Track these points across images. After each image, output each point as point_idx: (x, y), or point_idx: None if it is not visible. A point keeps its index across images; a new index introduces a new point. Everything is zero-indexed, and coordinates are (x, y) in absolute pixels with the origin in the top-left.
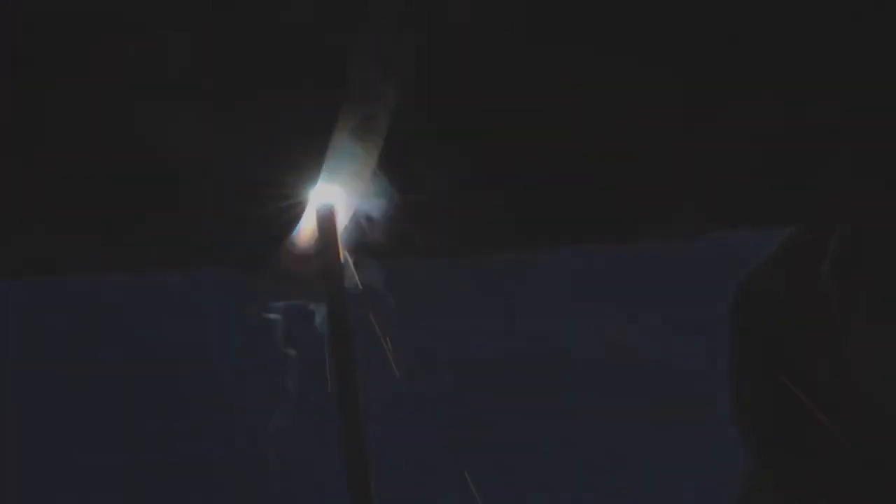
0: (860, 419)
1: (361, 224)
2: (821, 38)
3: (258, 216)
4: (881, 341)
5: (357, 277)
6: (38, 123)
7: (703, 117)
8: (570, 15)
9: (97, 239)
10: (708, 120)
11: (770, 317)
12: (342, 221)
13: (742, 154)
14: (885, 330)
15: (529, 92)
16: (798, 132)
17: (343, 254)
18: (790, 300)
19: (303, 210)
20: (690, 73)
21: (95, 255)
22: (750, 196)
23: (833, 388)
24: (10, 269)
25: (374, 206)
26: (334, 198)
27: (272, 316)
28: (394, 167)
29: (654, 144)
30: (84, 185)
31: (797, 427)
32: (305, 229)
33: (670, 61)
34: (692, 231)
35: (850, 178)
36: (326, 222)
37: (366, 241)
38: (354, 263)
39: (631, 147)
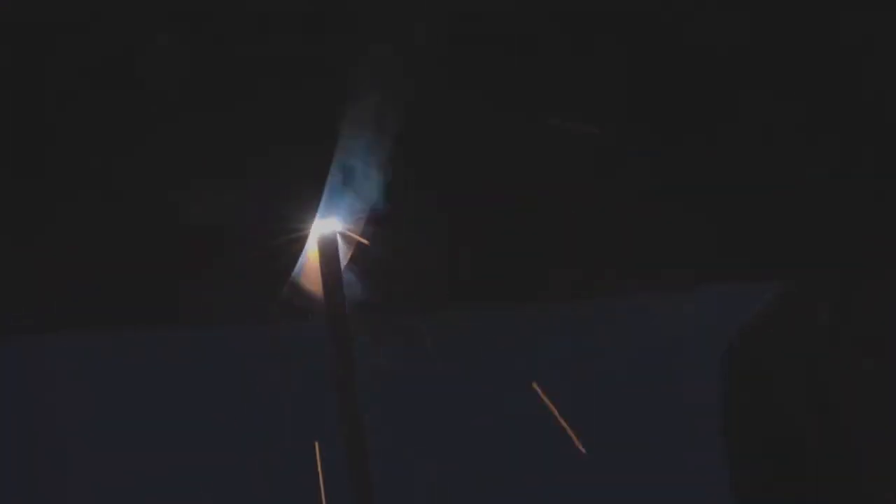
0: (848, 469)
1: (360, 253)
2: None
3: (264, 250)
4: (871, 393)
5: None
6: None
7: (692, 175)
8: (561, 80)
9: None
10: (694, 178)
11: (761, 369)
12: (344, 250)
13: (730, 210)
14: (874, 381)
15: (516, 151)
16: (784, 188)
17: (345, 281)
18: (781, 353)
19: (305, 241)
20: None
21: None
22: (740, 251)
23: (823, 439)
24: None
25: (373, 237)
26: (336, 228)
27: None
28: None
29: (643, 202)
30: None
31: (786, 477)
32: (310, 259)
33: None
34: (684, 285)
35: (839, 233)
36: (329, 252)
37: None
38: (356, 292)
39: (619, 206)
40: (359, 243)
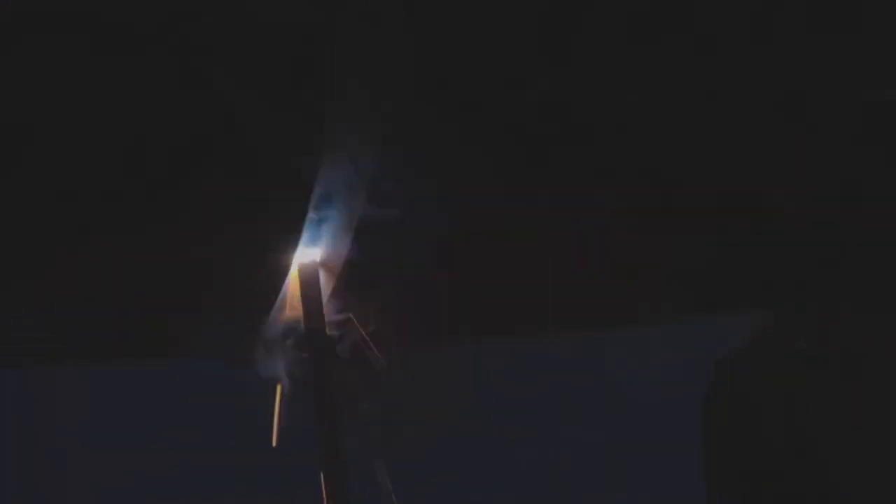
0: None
1: (342, 282)
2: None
3: (246, 281)
4: (852, 427)
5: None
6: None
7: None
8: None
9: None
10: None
11: (742, 401)
12: (325, 280)
13: (709, 241)
14: (856, 415)
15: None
16: (764, 223)
17: (327, 310)
18: (762, 384)
19: (287, 271)
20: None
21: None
22: (720, 282)
23: (803, 474)
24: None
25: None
26: (316, 258)
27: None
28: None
29: (623, 238)
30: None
31: None
32: (291, 289)
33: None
34: (665, 316)
35: (819, 266)
36: (310, 282)
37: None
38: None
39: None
40: (340, 273)
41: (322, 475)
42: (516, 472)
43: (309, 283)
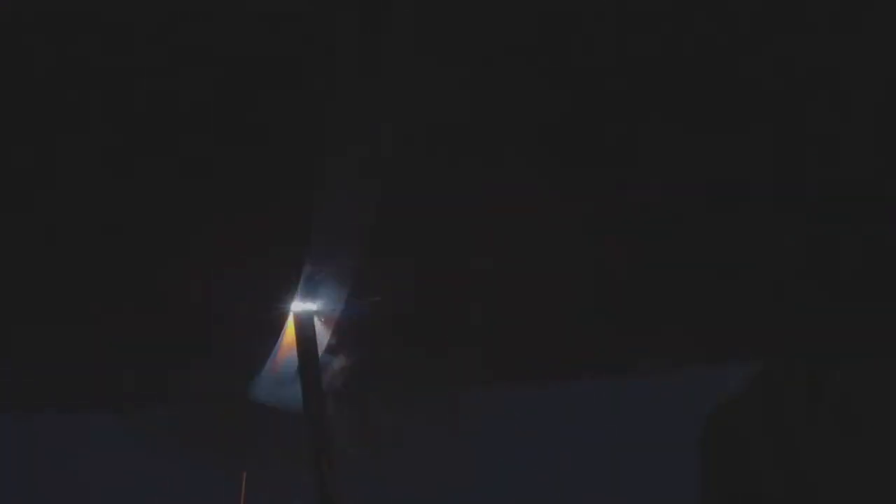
0: None
1: (338, 331)
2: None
3: (243, 327)
4: (845, 472)
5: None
6: None
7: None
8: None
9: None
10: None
11: (737, 447)
12: (321, 329)
13: (706, 291)
14: (849, 460)
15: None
16: (762, 273)
17: (321, 359)
18: (757, 431)
19: (284, 320)
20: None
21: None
22: (717, 332)
23: None
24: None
25: (350, 316)
26: (313, 307)
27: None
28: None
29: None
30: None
31: None
32: (287, 337)
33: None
34: (663, 366)
35: (811, 314)
36: (306, 331)
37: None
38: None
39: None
40: (335, 324)
41: None
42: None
43: (304, 331)
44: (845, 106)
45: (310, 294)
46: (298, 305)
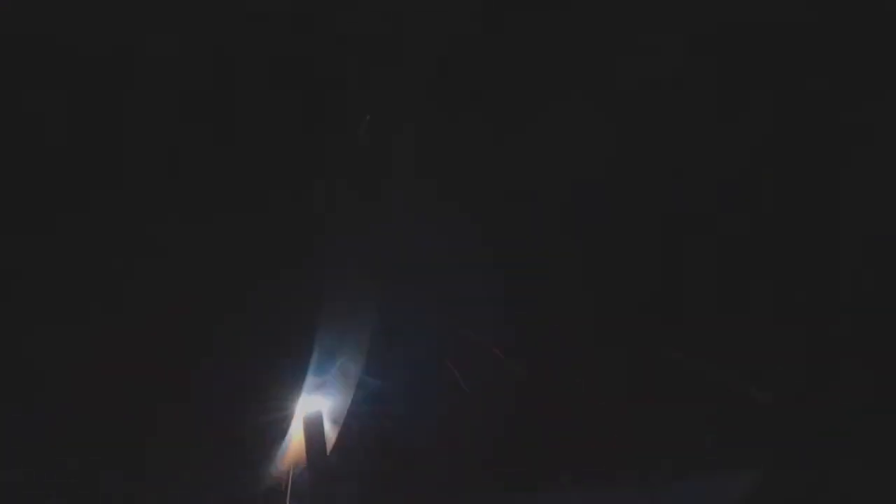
0: None
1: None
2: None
3: (251, 428)
4: None
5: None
6: None
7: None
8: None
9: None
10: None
11: None
12: (329, 428)
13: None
14: None
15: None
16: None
17: (330, 458)
18: None
19: (291, 419)
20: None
21: None
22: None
23: None
24: None
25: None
26: (321, 406)
27: None
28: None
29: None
30: None
31: None
32: (295, 436)
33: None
34: (662, 477)
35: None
36: (314, 429)
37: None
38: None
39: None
40: (344, 423)
41: None
42: None
43: (313, 432)
44: None
45: (320, 394)
46: (307, 406)
